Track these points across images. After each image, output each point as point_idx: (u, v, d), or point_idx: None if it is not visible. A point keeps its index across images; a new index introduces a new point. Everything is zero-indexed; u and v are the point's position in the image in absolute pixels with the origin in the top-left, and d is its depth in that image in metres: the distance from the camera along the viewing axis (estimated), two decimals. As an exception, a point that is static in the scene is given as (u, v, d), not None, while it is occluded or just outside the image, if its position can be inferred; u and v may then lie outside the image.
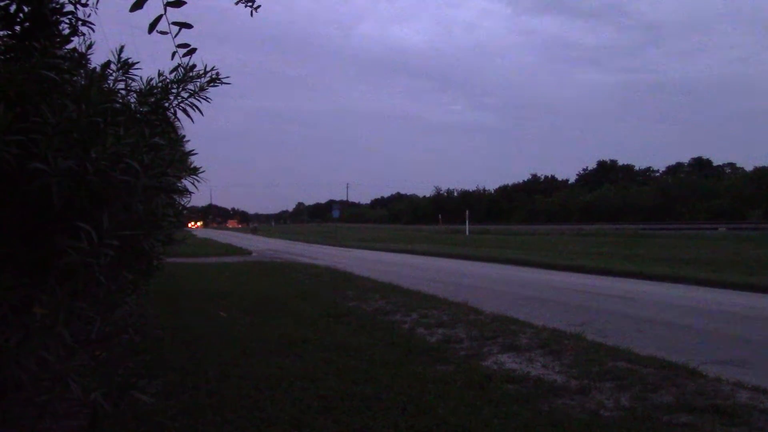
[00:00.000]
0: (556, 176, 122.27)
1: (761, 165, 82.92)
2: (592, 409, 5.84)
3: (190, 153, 5.82)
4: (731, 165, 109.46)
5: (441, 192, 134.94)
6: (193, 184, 4.75)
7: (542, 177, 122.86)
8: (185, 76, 3.88)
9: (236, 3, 3.79)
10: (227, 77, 3.99)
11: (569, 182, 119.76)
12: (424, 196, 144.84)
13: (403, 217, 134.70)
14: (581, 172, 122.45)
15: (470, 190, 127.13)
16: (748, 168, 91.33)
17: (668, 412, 5.72)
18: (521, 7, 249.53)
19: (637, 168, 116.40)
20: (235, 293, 14.51)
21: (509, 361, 7.84)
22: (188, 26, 3.24)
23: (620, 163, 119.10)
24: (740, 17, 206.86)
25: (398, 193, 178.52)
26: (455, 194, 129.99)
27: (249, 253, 35.55)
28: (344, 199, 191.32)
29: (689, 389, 6.46)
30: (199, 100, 3.96)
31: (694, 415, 5.65)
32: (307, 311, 11.71)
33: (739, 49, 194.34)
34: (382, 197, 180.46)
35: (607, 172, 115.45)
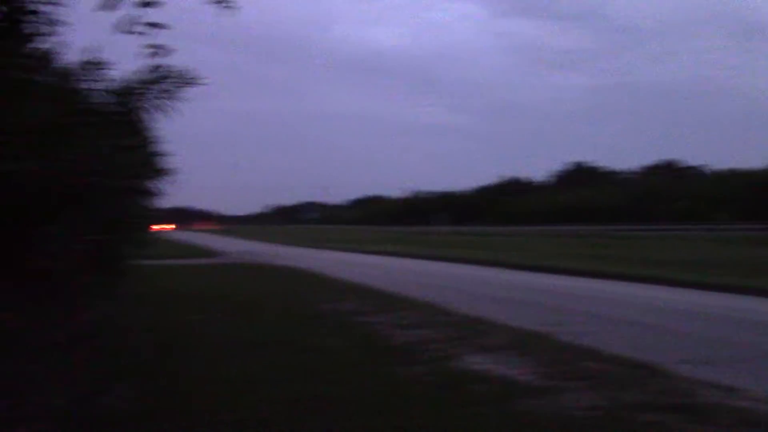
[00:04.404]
0: (533, 178, 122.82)
1: (734, 167, 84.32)
2: (565, 409, 5.85)
3: (165, 154, 5.80)
4: (704, 167, 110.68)
5: (418, 193, 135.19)
6: (167, 185, 4.74)
7: (519, 178, 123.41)
8: (159, 77, 3.86)
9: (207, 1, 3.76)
10: (204, 78, 3.99)
11: (546, 184, 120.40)
12: (401, 198, 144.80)
13: (381, 219, 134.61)
14: (558, 173, 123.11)
15: (448, 192, 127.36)
16: (721, 170, 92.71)
17: (640, 411, 5.76)
18: (498, 9, 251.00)
19: (613, 170, 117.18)
20: (210, 295, 14.41)
21: (482, 362, 7.83)
22: (162, 27, 3.23)
23: (596, 165, 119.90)
24: (714, 22, 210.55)
25: (376, 195, 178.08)
26: (432, 195, 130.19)
27: (224, 255, 35.31)
28: (322, 200, 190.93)
29: (661, 389, 6.52)
30: (174, 101, 3.95)
31: (666, 414, 5.69)
32: (281, 313, 11.65)
33: (712, 53, 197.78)
34: (360, 198, 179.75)
35: (583, 174, 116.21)
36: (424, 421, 5.44)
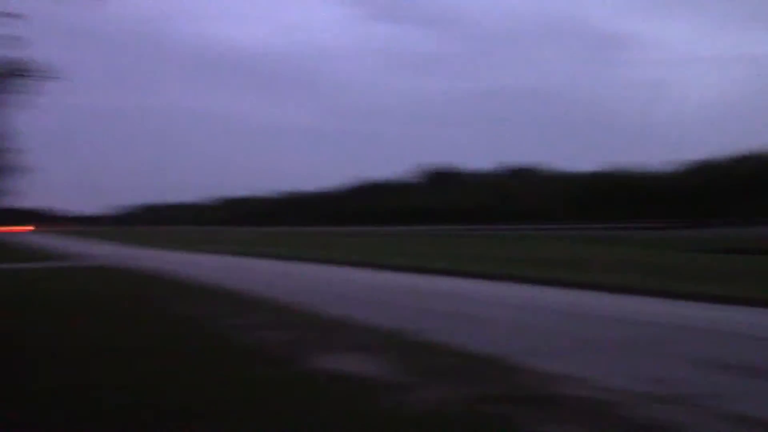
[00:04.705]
0: (393, 179, 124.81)
1: (583, 170, 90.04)
2: (419, 404, 5.98)
3: (14, 151, 5.59)
4: (554, 169, 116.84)
5: (285, 193, 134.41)
6: (19, 184, 4.67)
7: (377, 180, 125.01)
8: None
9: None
10: (55, 73, 4.01)
11: (406, 185, 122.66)
12: (269, 198, 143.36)
13: (250, 219, 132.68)
14: (417, 175, 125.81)
15: (313, 192, 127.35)
16: (571, 172, 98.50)
17: (490, 403, 5.98)
18: (364, 13, 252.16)
19: (470, 171, 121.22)
20: (59, 300, 13.79)
21: (340, 361, 7.88)
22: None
23: (454, 166, 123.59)
24: (567, 31, 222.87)
25: (243, 195, 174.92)
26: (298, 195, 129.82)
27: (81, 257, 33.77)
28: (182, 200, 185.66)
29: (510, 381, 6.85)
30: (18, 95, 3.94)
31: (513, 405, 5.94)
32: (136, 316, 11.42)
33: (564, 60, 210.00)
34: (228, 198, 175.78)
35: (442, 176, 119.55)
36: (282, 421, 5.46)
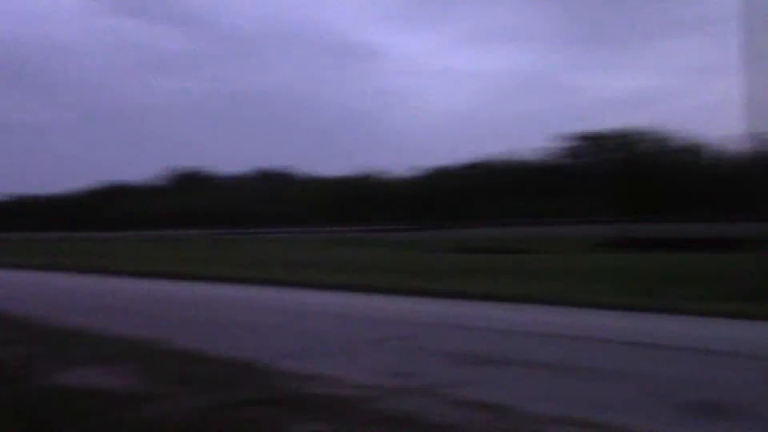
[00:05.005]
0: (140, 182, 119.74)
1: (332, 174, 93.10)
2: (170, 413, 5.84)
3: None
4: (303, 173, 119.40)
5: (14, 196, 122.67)
6: None
7: (126, 182, 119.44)
8: None
9: None
10: None
11: (153, 188, 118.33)
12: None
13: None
14: (166, 178, 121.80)
15: (49, 195, 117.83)
16: (317, 176, 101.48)
17: (241, 408, 5.98)
18: (104, 7, 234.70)
19: (219, 174, 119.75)
20: None
21: (85, 375, 7.49)
22: None
23: (205, 170, 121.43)
24: (311, 37, 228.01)
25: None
26: (31, 199, 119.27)
27: None
28: None
29: (262, 384, 6.89)
30: None
31: (266, 408, 5.97)
32: None
33: (309, 66, 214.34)
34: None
35: (192, 180, 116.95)
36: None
